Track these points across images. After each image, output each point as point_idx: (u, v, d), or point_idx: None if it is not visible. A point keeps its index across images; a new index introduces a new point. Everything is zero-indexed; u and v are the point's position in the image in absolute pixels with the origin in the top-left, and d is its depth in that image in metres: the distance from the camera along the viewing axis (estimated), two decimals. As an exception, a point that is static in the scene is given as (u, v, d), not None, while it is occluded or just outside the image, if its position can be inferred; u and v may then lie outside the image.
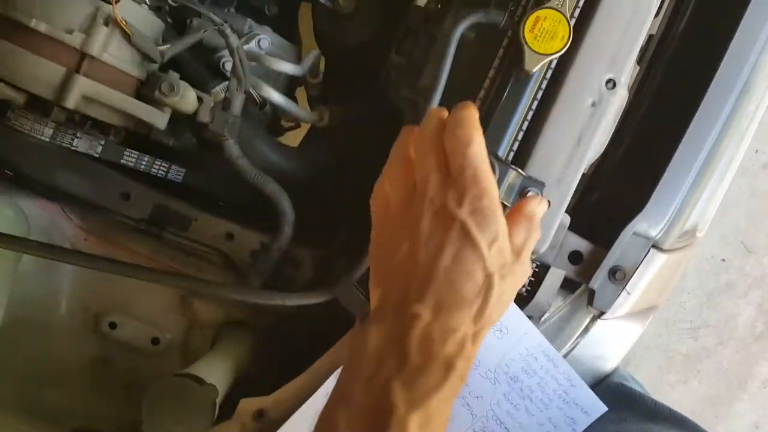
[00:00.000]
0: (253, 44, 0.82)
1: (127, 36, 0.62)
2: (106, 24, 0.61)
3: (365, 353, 0.43)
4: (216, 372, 0.70)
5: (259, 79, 0.81)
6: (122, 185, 0.86)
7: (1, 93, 0.60)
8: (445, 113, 0.51)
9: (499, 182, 0.64)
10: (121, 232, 0.87)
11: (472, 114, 0.49)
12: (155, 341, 0.87)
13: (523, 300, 0.69)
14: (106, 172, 0.85)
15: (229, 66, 0.77)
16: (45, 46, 0.60)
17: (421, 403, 0.40)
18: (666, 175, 0.70)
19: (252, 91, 0.79)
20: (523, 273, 0.49)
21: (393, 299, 0.45)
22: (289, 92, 0.95)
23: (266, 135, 0.85)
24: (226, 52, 0.81)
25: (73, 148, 0.69)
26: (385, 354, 0.42)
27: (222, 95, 0.78)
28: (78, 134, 0.68)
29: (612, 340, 0.80)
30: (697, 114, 0.70)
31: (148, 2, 0.66)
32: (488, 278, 0.45)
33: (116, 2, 0.60)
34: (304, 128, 1.07)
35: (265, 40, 0.82)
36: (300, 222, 0.82)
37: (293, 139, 1.07)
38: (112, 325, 0.87)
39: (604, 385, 0.80)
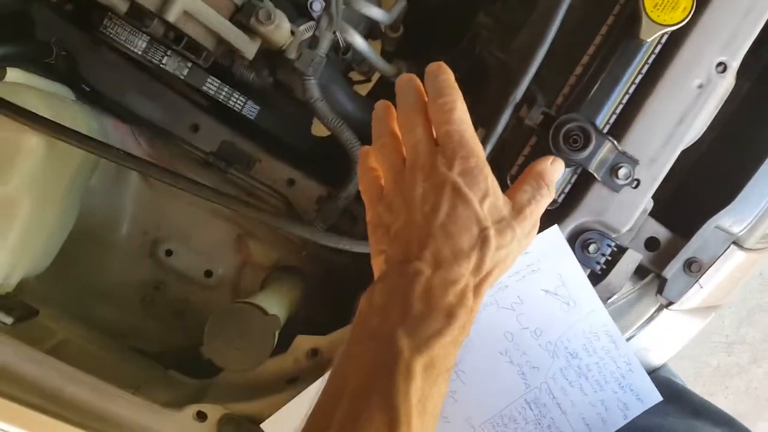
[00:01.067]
0: (344, -14, 0.80)
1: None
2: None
3: (371, 309, 0.45)
4: (273, 307, 0.70)
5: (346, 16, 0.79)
6: (193, 116, 0.86)
7: (105, -2, 0.60)
8: (417, 81, 0.52)
9: (593, 153, 0.63)
10: (185, 162, 0.87)
11: (449, 78, 0.51)
12: (208, 273, 0.88)
13: (595, 278, 0.68)
14: (179, 101, 0.85)
15: (316, 6, 0.76)
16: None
17: (424, 347, 0.42)
18: (759, 171, 0.68)
19: (338, 33, 0.78)
20: (525, 230, 0.49)
21: (395, 260, 0.47)
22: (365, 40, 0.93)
23: (344, 82, 0.84)
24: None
25: (162, 65, 0.68)
26: (390, 307, 0.44)
27: (308, 33, 0.77)
28: (168, 52, 0.67)
29: (670, 333, 0.78)
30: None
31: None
32: (483, 231, 0.46)
33: None
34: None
35: (356, -17, 0.80)
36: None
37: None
38: (168, 252, 0.87)
39: (652, 378, 0.79)
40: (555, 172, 0.53)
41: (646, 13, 0.58)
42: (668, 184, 0.68)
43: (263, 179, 0.88)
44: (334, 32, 0.74)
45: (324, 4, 0.74)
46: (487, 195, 0.47)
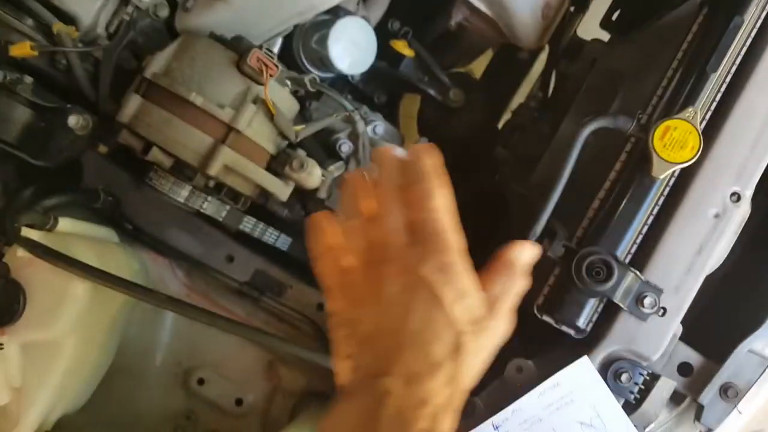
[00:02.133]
0: (369, 129, 0.86)
1: (270, 115, 0.67)
2: (254, 102, 0.66)
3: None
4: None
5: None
6: (228, 248, 0.90)
7: (153, 156, 0.65)
8: (403, 159, 0.48)
9: (617, 285, 0.64)
10: (220, 292, 0.91)
11: (434, 161, 0.46)
12: (239, 402, 0.88)
13: (630, 408, 0.67)
14: (215, 234, 0.90)
15: (345, 148, 0.81)
16: (198, 118, 0.65)
17: None
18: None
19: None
20: (498, 328, 0.45)
21: (363, 373, 0.43)
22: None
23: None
24: (341, 135, 0.85)
25: (202, 210, 0.73)
26: None
27: (336, 173, 0.82)
28: (209, 198, 0.72)
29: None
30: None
31: (290, 85, 0.72)
32: (457, 337, 0.42)
33: (267, 84, 0.65)
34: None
35: (380, 126, 0.86)
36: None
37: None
38: (201, 381, 0.88)
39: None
40: (526, 257, 0.48)
41: (656, 153, 0.62)
42: (696, 306, 0.69)
43: (294, 305, 0.91)
44: (361, 172, 0.79)
45: (351, 146, 0.80)
46: (463, 295, 0.43)
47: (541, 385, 0.66)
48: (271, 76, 0.64)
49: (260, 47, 0.65)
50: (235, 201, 0.72)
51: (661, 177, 0.63)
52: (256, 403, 0.89)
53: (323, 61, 0.87)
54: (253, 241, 0.88)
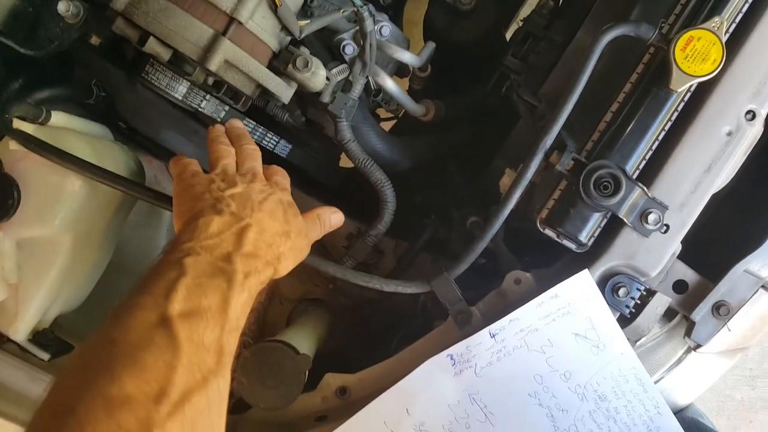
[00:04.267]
0: (375, 28, 0.82)
1: (274, 7, 0.63)
2: (258, -8, 0.62)
3: (207, 231, 0.53)
4: (303, 343, 0.71)
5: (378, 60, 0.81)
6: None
7: (150, 47, 0.62)
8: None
9: (624, 199, 0.63)
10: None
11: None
12: (236, 307, 0.89)
13: (624, 321, 0.68)
14: (212, 137, 0.87)
15: (348, 50, 0.78)
16: (198, 7, 0.61)
17: (252, 275, 0.52)
18: (790, 215, 0.68)
19: (370, 77, 0.79)
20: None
21: (231, 208, 0.56)
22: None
23: (374, 122, 0.86)
24: (346, 36, 0.81)
25: (200, 109, 0.70)
26: (226, 237, 0.53)
27: (340, 77, 0.79)
28: (207, 97, 0.70)
29: (697, 374, 0.78)
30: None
31: (293, -19, 0.67)
32: (288, 233, 0.60)
33: (272, -28, 0.61)
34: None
35: (386, 28, 0.82)
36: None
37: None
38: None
39: (679, 418, 0.78)
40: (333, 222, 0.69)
41: (677, 65, 0.59)
42: (696, 225, 0.69)
43: (293, 213, 0.90)
44: (367, 77, 0.76)
45: (356, 48, 0.76)
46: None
47: (540, 296, 0.66)
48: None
49: (265, -70, 0.60)
50: (234, 100, 0.69)
51: (679, 90, 0.61)
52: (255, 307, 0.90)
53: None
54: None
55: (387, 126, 1.11)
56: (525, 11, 1.22)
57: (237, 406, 0.72)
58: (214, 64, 0.62)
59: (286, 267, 0.61)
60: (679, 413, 0.79)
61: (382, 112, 1.04)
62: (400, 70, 0.96)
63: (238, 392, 0.64)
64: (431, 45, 0.86)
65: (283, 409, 0.67)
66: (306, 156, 0.90)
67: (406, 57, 0.81)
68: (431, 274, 0.73)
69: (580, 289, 0.66)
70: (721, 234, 0.73)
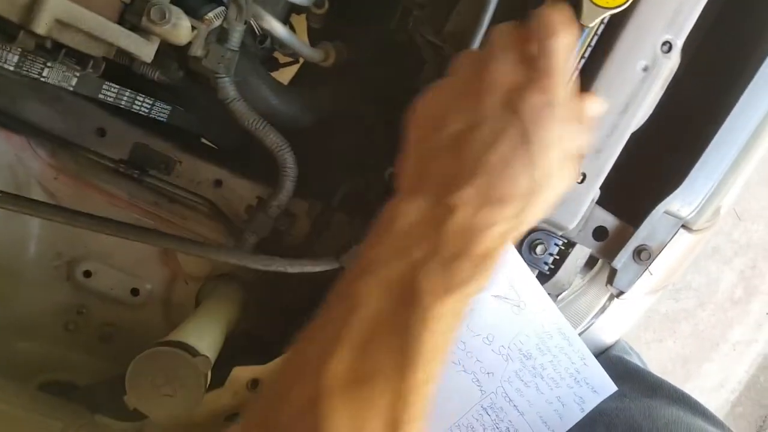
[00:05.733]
0: (254, -36, 0.70)
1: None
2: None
3: (396, 227, 0.41)
4: (206, 336, 0.65)
5: (259, 5, 0.70)
6: (97, 119, 0.77)
7: (-44, 8, 0.49)
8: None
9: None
10: (95, 171, 0.79)
11: (564, 11, 0.46)
12: (134, 292, 0.81)
13: (544, 277, 0.64)
14: (80, 103, 0.75)
15: (226, -11, 0.66)
16: (10, -47, 0.49)
17: (453, 292, 0.39)
18: (706, 153, 0.64)
19: (252, 21, 0.69)
20: (568, 179, 0.46)
21: (435, 179, 0.42)
22: (287, 21, 0.84)
23: (265, 73, 0.76)
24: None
25: (42, 79, 0.59)
26: (418, 234, 0.40)
27: (216, 23, 0.68)
28: (49, 63, 0.58)
29: (622, 315, 0.77)
30: (747, 89, 0.64)
31: None
32: (531, 184, 0.42)
33: None
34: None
35: (268, -40, 0.71)
36: (298, 172, 0.75)
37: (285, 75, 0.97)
38: (87, 274, 0.79)
39: (605, 358, 0.78)
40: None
41: (587, -4, 0.52)
42: (614, 168, 0.65)
43: (185, 183, 0.81)
44: (246, 22, 0.65)
45: (231, -12, 0.65)
46: (549, 147, 0.42)
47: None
48: None
49: None
50: (82, 65, 0.58)
51: (591, 25, 0.54)
52: (155, 292, 0.82)
53: None
54: (130, 112, 0.75)
55: (290, 73, 1.00)
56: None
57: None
58: (41, 26, 0.50)
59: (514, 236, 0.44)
60: (605, 353, 0.79)
61: (283, 57, 0.94)
62: (296, 7, 0.85)
63: (130, 405, 0.57)
64: (321, -20, 0.76)
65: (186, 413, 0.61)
66: (192, 116, 0.80)
67: (292, -6, 0.70)
68: (346, 239, 0.67)
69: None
70: (640, 175, 0.69)
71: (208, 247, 0.62)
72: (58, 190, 0.78)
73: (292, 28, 0.90)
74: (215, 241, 0.79)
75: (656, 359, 1.52)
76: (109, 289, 0.80)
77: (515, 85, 0.42)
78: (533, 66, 0.43)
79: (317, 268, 0.62)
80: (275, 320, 0.80)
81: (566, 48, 0.44)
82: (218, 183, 0.81)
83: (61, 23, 0.52)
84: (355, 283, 0.39)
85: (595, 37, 0.57)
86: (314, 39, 0.91)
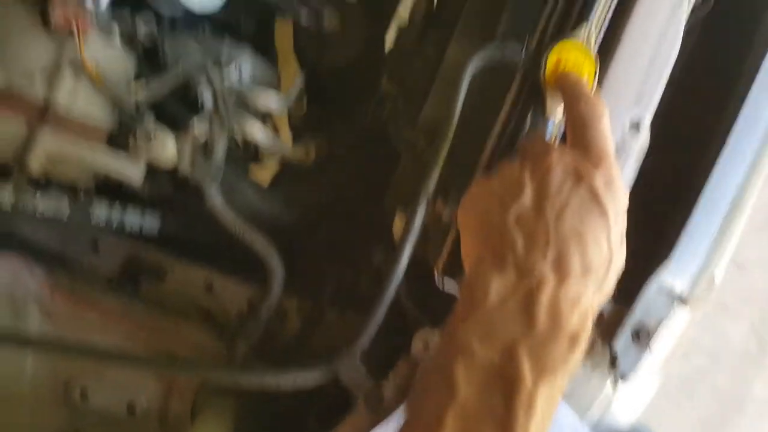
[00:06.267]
0: (233, 70, 0.73)
1: (99, 82, 0.54)
2: (72, 70, 0.52)
3: (485, 304, 0.40)
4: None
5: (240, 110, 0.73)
6: (90, 232, 0.78)
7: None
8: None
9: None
10: (90, 287, 0.79)
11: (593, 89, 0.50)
12: (131, 408, 0.79)
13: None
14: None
15: (208, 101, 0.69)
16: (4, 100, 0.51)
17: (548, 375, 0.38)
18: (692, 222, 0.65)
19: (235, 129, 0.71)
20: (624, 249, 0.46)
21: (513, 255, 0.41)
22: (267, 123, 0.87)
23: (249, 179, 0.78)
24: (201, 86, 0.72)
25: (39, 212, 0.60)
26: (509, 312, 0.39)
27: (201, 131, 0.70)
28: (38, 195, 0.60)
29: (630, 399, 0.75)
30: (725, 151, 0.65)
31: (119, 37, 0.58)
32: (611, 250, 0.43)
33: (82, 44, 0.51)
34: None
35: (245, 65, 0.74)
36: (286, 269, 0.76)
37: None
38: (83, 393, 0.78)
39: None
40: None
41: (551, 91, 0.55)
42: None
43: (178, 289, 0.81)
44: (230, 132, 0.67)
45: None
46: (621, 214, 0.44)
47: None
48: (83, 32, 0.50)
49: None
50: (74, 194, 0.60)
51: (556, 119, 0.56)
52: (151, 406, 0.80)
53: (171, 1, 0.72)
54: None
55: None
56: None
57: None
58: (35, 164, 0.52)
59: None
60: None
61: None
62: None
63: None
64: (299, 81, 0.79)
65: None
66: (183, 221, 0.81)
67: (270, 102, 0.73)
68: (338, 337, 0.66)
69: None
70: (629, 253, 0.69)
71: (199, 367, 0.62)
72: (55, 309, 0.78)
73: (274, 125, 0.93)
74: (207, 347, 0.79)
75: (676, 427, 1.47)
76: (105, 407, 0.78)
77: (578, 164, 0.44)
78: (589, 148, 0.45)
79: (309, 381, 0.61)
80: (271, 428, 0.78)
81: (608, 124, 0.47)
82: (209, 287, 0.82)
83: (53, 158, 0.54)
84: (450, 366, 0.38)
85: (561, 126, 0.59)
86: (296, 133, 0.93)
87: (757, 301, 1.48)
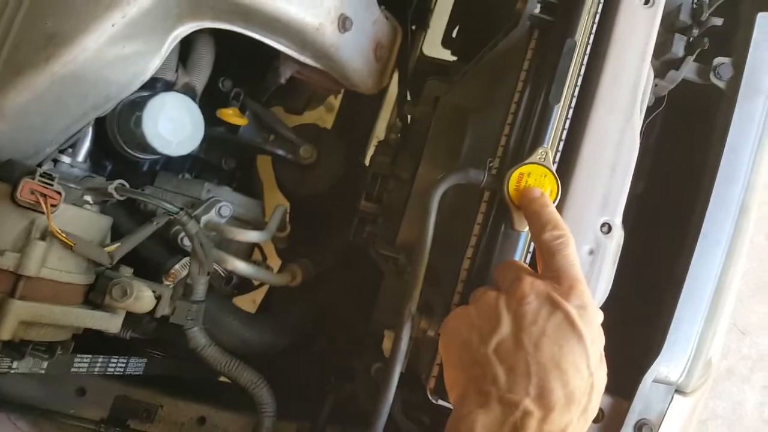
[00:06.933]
0: (213, 213, 0.75)
1: (69, 246, 0.55)
2: (43, 238, 0.53)
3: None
4: None
5: (221, 248, 0.74)
6: (77, 380, 0.77)
7: None
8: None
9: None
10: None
11: (554, 210, 0.51)
12: None
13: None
14: (57, 371, 0.76)
15: (188, 242, 0.70)
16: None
17: None
18: (678, 311, 0.65)
19: (216, 266, 0.72)
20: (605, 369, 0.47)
21: (495, 388, 0.42)
22: (251, 255, 0.88)
23: (235, 310, 0.78)
24: (180, 228, 0.74)
25: (12, 371, 0.59)
26: None
27: (182, 273, 0.71)
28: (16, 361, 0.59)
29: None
30: (701, 236, 0.66)
31: (91, 201, 0.60)
32: (592, 374, 0.43)
33: (51, 213, 0.53)
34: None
35: (226, 207, 0.76)
36: (281, 392, 0.74)
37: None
38: None
39: None
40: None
41: (515, 206, 0.56)
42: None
43: (169, 426, 0.79)
44: (209, 273, 0.68)
45: (191, 243, 0.69)
46: (596, 338, 0.45)
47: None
48: (53, 205, 0.52)
49: (33, 173, 0.53)
50: (50, 352, 0.59)
51: (525, 230, 0.57)
52: None
53: (144, 146, 0.75)
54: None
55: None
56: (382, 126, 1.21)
57: None
58: (6, 332, 0.52)
59: None
60: None
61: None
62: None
63: None
64: (279, 210, 0.81)
65: None
66: (169, 361, 0.80)
67: (251, 237, 0.74)
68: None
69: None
70: (620, 347, 0.68)
71: None
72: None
73: (261, 251, 0.94)
74: None
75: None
76: None
77: (550, 292, 0.45)
78: (560, 274, 0.46)
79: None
80: None
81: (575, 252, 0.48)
82: (202, 420, 0.80)
83: (26, 323, 0.54)
84: None
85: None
86: (283, 257, 0.94)
87: (766, 362, 1.45)
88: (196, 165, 0.91)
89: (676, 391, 0.66)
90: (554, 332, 0.43)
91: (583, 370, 0.43)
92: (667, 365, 0.65)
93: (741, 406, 1.43)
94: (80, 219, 0.57)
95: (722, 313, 0.69)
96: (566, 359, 0.42)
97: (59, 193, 0.52)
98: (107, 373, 0.70)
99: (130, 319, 0.67)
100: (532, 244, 0.60)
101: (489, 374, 0.42)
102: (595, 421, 0.64)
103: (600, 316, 0.46)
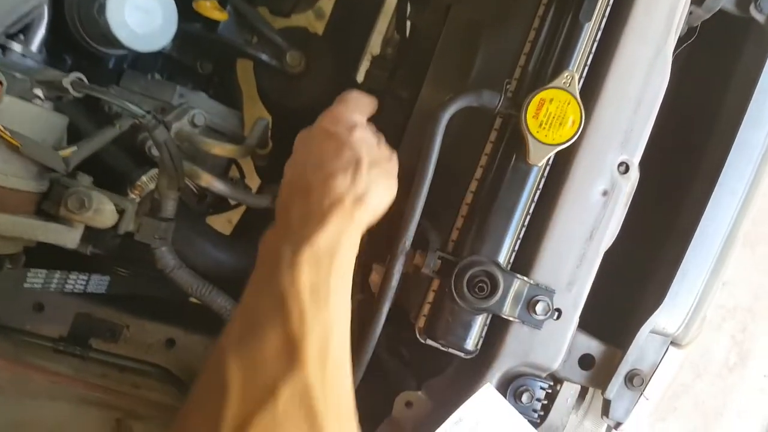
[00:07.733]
0: (185, 121, 0.67)
1: (14, 147, 0.47)
2: (-16, 134, 0.46)
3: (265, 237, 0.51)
4: None
5: (196, 162, 0.67)
6: (34, 295, 0.71)
7: None
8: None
9: (504, 297, 0.53)
10: (36, 351, 0.72)
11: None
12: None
13: (535, 425, 0.58)
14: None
15: (156, 152, 0.63)
16: None
17: (304, 243, 0.46)
18: (684, 263, 0.61)
19: (188, 182, 0.65)
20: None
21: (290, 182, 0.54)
22: (228, 171, 0.81)
23: (208, 230, 0.71)
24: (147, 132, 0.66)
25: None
26: (277, 227, 0.51)
27: (150, 186, 0.64)
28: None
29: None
30: (718, 184, 0.61)
31: (42, 96, 0.51)
32: (355, 158, 0.51)
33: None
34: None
35: (200, 115, 0.68)
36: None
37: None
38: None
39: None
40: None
41: (532, 135, 0.50)
42: (591, 291, 0.60)
43: (136, 347, 0.74)
44: (180, 188, 0.61)
45: (159, 153, 0.61)
46: (354, 128, 0.53)
47: (441, 426, 0.55)
48: (-6, 94, 0.44)
49: (-30, 56, 0.44)
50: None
51: (539, 164, 0.51)
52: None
53: (108, 39, 0.66)
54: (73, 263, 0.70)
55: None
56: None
57: None
58: (-58, 240, 0.45)
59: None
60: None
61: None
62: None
63: None
64: (261, 123, 0.73)
65: None
66: (134, 280, 0.74)
67: (228, 150, 0.67)
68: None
69: (485, 406, 0.56)
70: (619, 293, 0.65)
71: None
72: (-1, 376, 0.70)
73: (239, 168, 0.87)
74: (168, 406, 0.73)
75: (662, 441, 1.44)
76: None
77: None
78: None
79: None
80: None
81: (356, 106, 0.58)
82: (171, 342, 0.75)
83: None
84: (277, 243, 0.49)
85: (547, 167, 0.54)
86: (262, 176, 0.87)
87: (738, 313, 1.47)
88: (167, 66, 0.81)
89: (672, 343, 0.63)
90: (316, 145, 0.54)
91: (346, 153, 0.51)
92: (666, 317, 0.62)
93: (709, 352, 1.45)
94: (28, 115, 0.49)
95: (725, 270, 0.66)
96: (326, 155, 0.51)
97: (0, 83, 0.44)
98: (65, 291, 0.64)
99: (92, 233, 0.61)
100: (544, 178, 0.54)
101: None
102: (586, 368, 0.61)
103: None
